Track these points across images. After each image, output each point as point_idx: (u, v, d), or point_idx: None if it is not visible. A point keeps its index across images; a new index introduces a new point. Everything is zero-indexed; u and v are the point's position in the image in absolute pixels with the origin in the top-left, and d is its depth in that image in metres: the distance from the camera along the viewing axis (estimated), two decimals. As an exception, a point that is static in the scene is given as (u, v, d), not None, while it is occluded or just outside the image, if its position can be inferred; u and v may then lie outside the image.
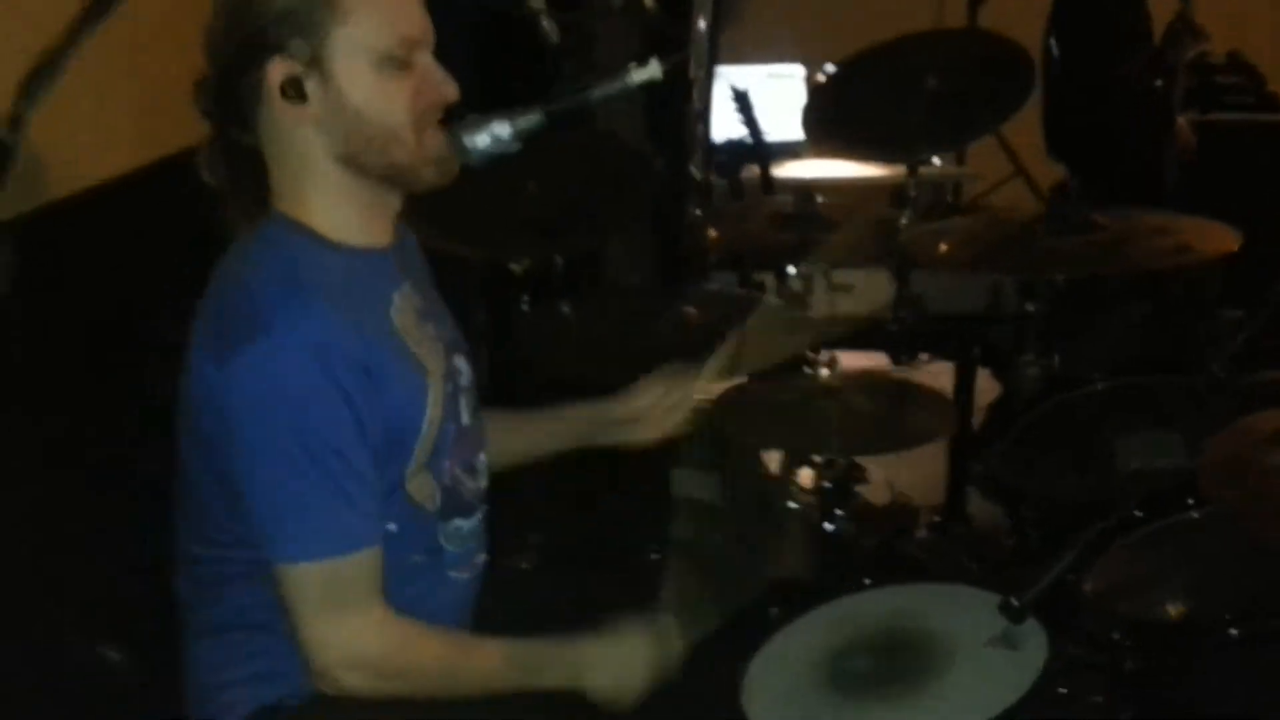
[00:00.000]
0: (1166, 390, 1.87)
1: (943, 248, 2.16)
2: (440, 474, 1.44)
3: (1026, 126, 3.18)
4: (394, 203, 1.44)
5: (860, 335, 2.47)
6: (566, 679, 1.45)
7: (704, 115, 3.94)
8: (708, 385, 1.77)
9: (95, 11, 1.09)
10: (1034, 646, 1.52)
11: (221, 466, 1.32)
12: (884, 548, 2.07)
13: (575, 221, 2.52)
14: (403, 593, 1.41)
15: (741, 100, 3.41)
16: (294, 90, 1.31)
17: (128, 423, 1.61)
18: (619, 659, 1.48)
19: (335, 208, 1.38)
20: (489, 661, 1.44)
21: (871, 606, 1.72)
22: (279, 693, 1.40)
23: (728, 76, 4.66)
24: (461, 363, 1.53)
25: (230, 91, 1.34)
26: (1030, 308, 2.31)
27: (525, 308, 2.57)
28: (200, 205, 1.38)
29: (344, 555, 1.32)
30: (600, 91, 1.41)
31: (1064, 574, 1.60)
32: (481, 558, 1.57)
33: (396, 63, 1.33)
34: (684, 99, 3.99)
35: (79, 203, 1.61)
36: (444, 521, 1.47)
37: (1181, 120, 3.28)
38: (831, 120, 2.28)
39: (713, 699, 1.55)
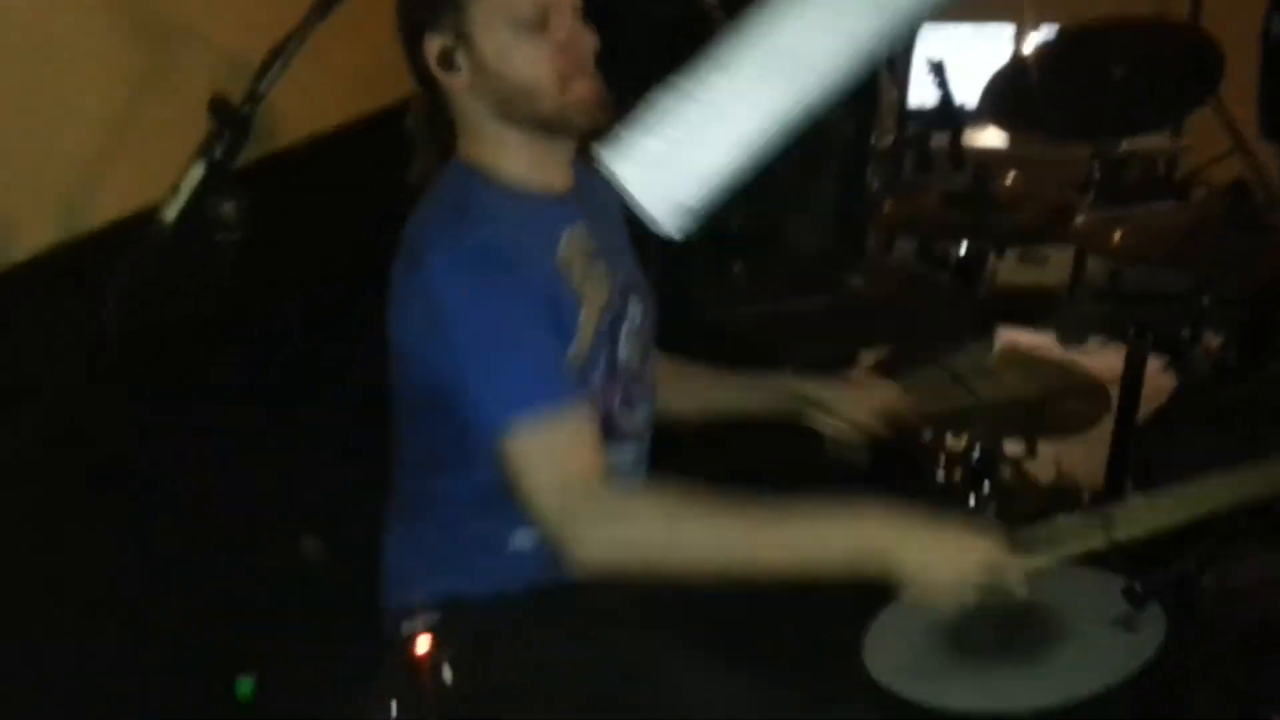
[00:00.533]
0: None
1: (1116, 237, 2.17)
2: (590, 395, 1.55)
3: (1250, 97, 3.10)
4: (563, 149, 1.60)
5: (1033, 313, 2.49)
6: (856, 540, 1.39)
7: (901, 80, 3.97)
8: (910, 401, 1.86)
9: (328, 2, 1.25)
10: (1152, 632, 1.58)
11: (426, 375, 1.49)
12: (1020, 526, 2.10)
13: (751, 185, 2.61)
14: None
15: (937, 70, 3.42)
16: (447, 62, 1.50)
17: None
18: (939, 543, 1.41)
19: (507, 157, 1.56)
20: (758, 527, 1.38)
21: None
22: (459, 586, 1.55)
23: (933, 35, 4.70)
24: (635, 305, 1.67)
25: (412, 61, 1.54)
26: (1205, 300, 2.28)
27: (700, 268, 2.71)
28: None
29: (558, 411, 1.42)
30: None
31: (1194, 566, 1.65)
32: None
33: (533, 25, 1.49)
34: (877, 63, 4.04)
35: (302, 152, 1.80)
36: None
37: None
38: (1012, 102, 2.28)
39: (835, 655, 1.60)
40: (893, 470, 2.35)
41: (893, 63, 4.19)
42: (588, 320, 1.55)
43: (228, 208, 1.22)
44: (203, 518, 1.62)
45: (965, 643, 1.67)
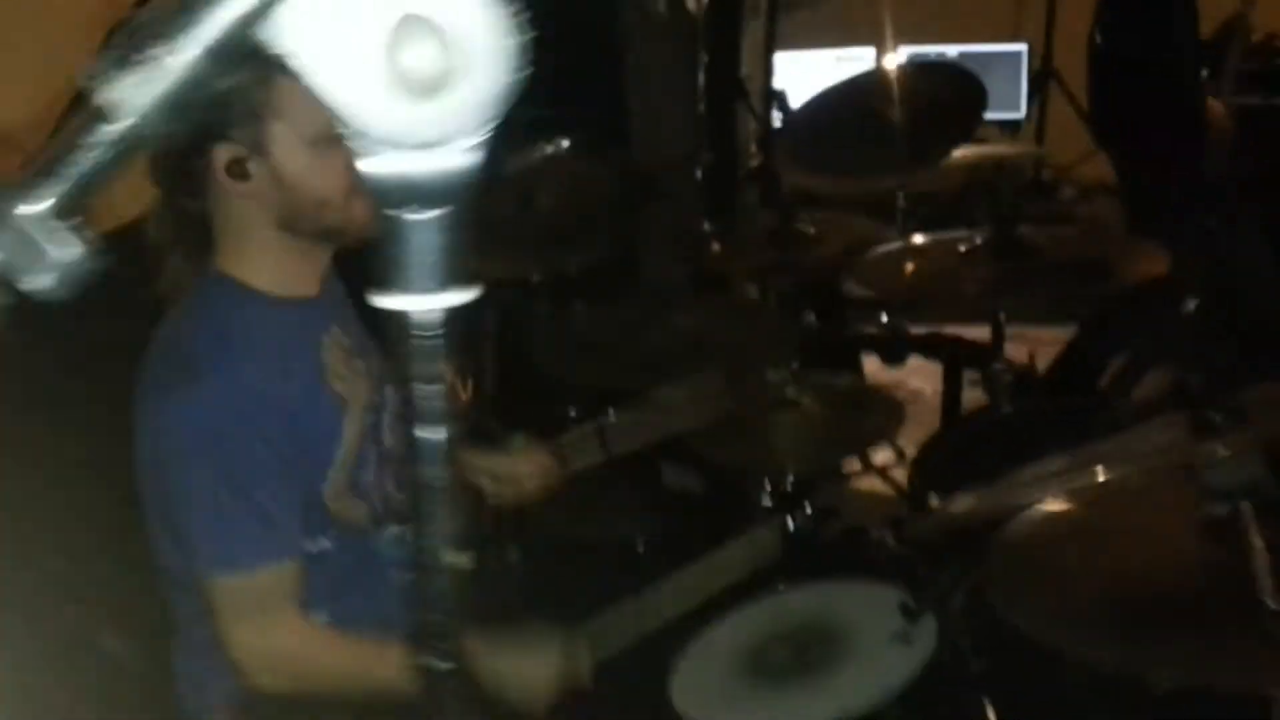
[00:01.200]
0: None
1: (909, 268, 2.31)
2: (365, 492, 1.64)
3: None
4: (325, 257, 1.66)
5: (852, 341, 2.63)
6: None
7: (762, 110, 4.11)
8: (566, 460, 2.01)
9: None
10: (925, 644, 1.72)
11: (161, 500, 1.55)
12: (839, 546, 2.24)
13: (588, 233, 2.75)
14: (351, 601, 1.64)
15: (778, 101, 3.55)
16: (238, 170, 1.51)
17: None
18: (525, 670, 1.65)
19: (271, 265, 1.59)
20: (394, 666, 1.55)
21: (796, 602, 1.91)
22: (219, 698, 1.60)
23: (796, 62, 4.86)
24: (390, 391, 1.70)
25: (181, 168, 1.54)
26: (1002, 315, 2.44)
27: (541, 311, 2.82)
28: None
29: (261, 567, 1.52)
30: (513, 164, 1.63)
31: (961, 580, 1.79)
32: None
33: (328, 142, 1.52)
34: (735, 96, 4.18)
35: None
36: (378, 531, 1.68)
37: (1216, 104, 3.30)
38: (801, 147, 2.41)
39: (644, 688, 1.74)
40: (723, 497, 2.50)
41: (747, 93, 4.37)
42: (352, 421, 1.63)
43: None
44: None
45: (763, 666, 1.81)
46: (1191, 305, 2.18)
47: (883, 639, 1.75)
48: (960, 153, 4.92)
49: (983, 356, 2.47)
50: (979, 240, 2.20)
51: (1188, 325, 2.18)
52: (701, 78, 3.36)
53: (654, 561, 2.37)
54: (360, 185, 1.48)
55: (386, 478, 1.69)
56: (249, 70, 1.47)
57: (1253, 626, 0.91)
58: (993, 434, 2.09)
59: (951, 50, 5.03)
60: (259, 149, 1.52)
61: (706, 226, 2.74)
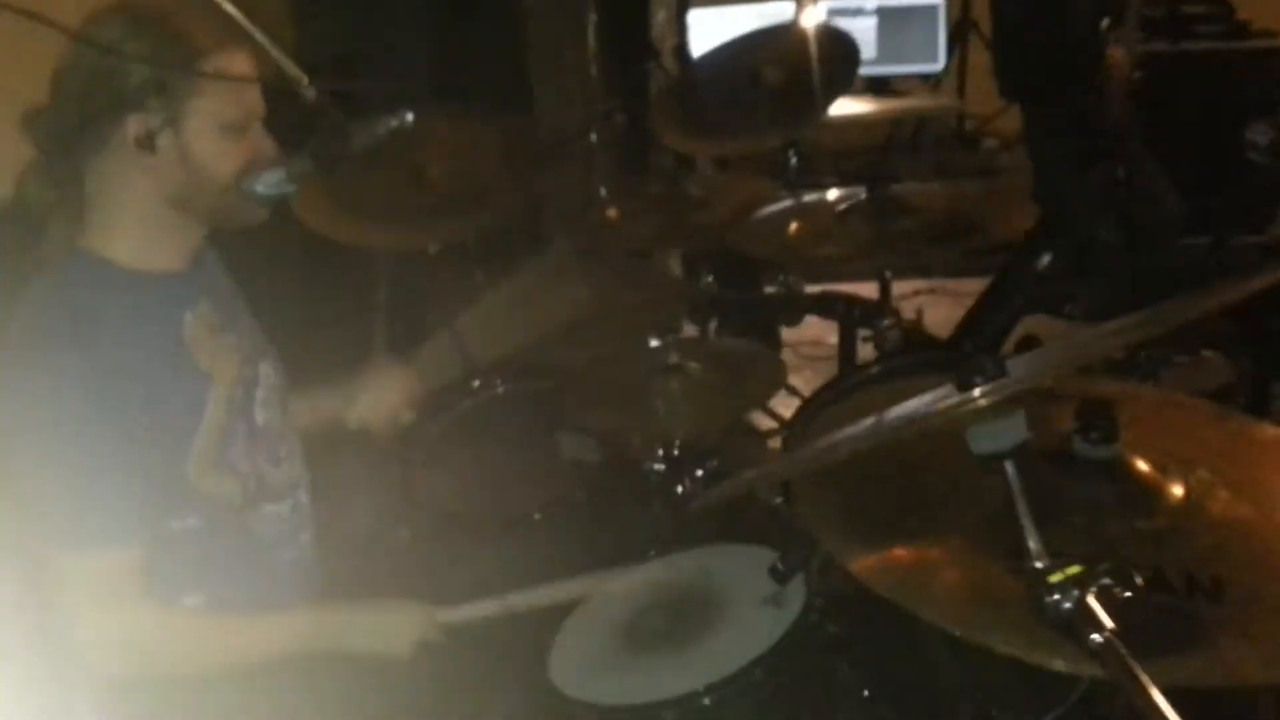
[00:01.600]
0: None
1: (792, 228, 2.31)
2: (233, 469, 1.63)
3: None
4: (198, 234, 1.65)
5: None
6: (332, 644, 1.64)
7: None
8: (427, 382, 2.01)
9: None
10: (794, 607, 1.73)
11: (15, 476, 1.51)
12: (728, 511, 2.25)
13: (485, 202, 2.73)
14: (225, 580, 1.63)
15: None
16: (147, 142, 1.51)
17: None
18: (382, 628, 1.69)
19: (138, 239, 1.57)
20: (248, 638, 1.62)
21: (673, 570, 1.92)
22: None
23: (716, 18, 4.83)
24: (266, 368, 1.73)
25: (77, 132, 1.53)
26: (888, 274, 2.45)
27: (440, 282, 2.80)
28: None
29: (106, 551, 1.50)
30: (359, 140, 1.60)
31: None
32: (306, 537, 1.77)
33: (237, 129, 1.54)
34: (645, 56, 4.15)
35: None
36: (251, 509, 1.66)
37: (1116, 51, 3.32)
38: (684, 112, 2.40)
39: (523, 661, 1.76)
40: (619, 465, 2.50)
41: (658, 53, 4.34)
42: (218, 398, 1.61)
43: None
44: None
45: (638, 637, 1.82)
46: (1046, 259, 2.20)
47: (755, 603, 1.77)
48: (882, 105, 5.01)
49: (873, 314, 2.48)
50: (859, 199, 2.20)
51: (1044, 277, 2.20)
52: (592, 39, 3.30)
53: (551, 530, 2.40)
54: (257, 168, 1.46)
55: (259, 454, 1.68)
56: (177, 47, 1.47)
57: (1020, 585, 0.91)
58: (862, 388, 2.09)
59: (869, 3, 5.05)
60: (172, 124, 1.52)
61: (602, 192, 2.72)
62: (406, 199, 2.66)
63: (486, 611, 1.77)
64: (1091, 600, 0.88)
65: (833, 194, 2.33)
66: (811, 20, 4.80)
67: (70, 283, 1.55)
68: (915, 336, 2.44)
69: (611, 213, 2.71)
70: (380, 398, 1.95)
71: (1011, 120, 4.69)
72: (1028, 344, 1.99)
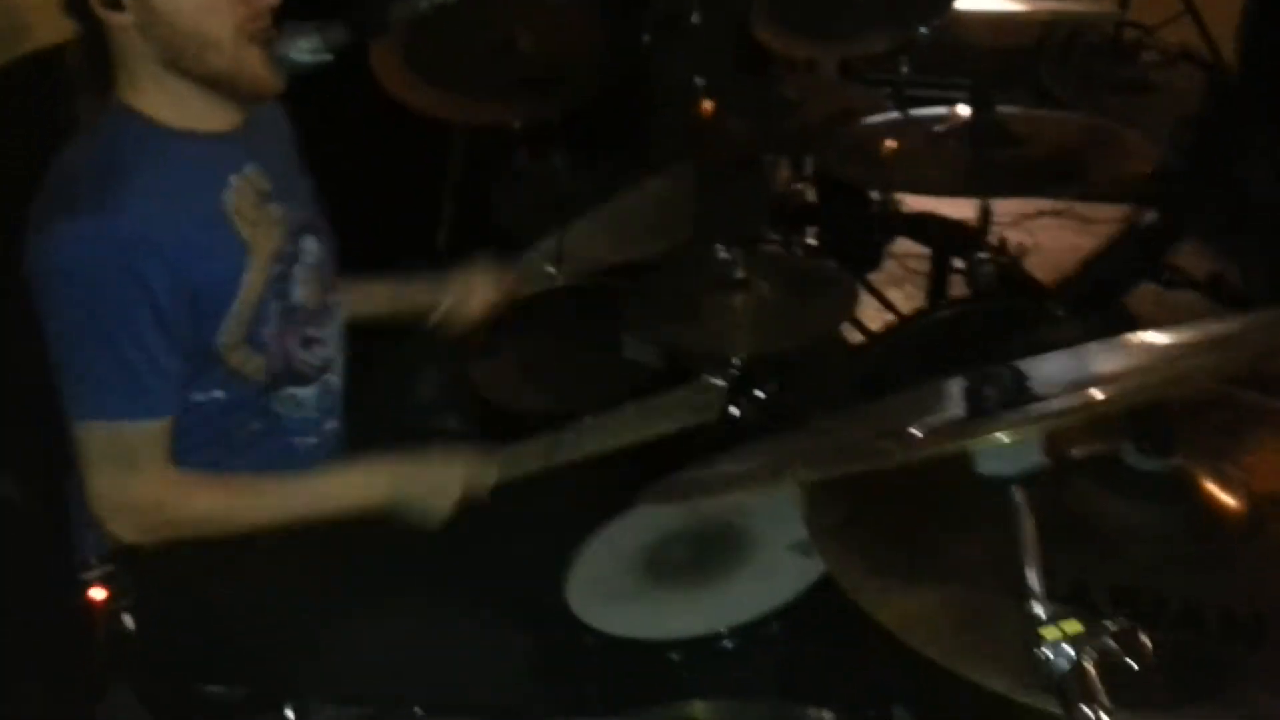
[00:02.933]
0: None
1: (889, 142, 2.13)
2: (262, 346, 1.56)
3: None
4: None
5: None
6: (367, 499, 1.58)
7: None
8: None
9: None
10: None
11: (47, 331, 1.47)
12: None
13: (570, 78, 2.60)
14: (242, 457, 1.59)
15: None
16: (111, 0, 1.42)
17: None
18: (426, 477, 1.61)
19: (173, 98, 1.49)
20: (276, 495, 1.57)
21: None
22: None
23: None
24: (309, 243, 1.64)
25: None
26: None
27: (521, 162, 2.69)
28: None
29: (126, 420, 1.46)
30: (398, 10, 1.49)
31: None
32: (332, 424, 1.71)
33: None
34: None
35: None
36: (275, 390, 1.61)
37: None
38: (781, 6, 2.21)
39: (540, 580, 1.69)
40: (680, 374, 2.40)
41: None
42: (257, 270, 1.54)
43: None
44: None
45: (659, 566, 1.74)
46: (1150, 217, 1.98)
47: (783, 547, 1.68)
48: (1034, 6, 4.65)
49: (969, 244, 2.30)
50: (959, 121, 2.00)
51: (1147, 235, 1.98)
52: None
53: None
54: (258, 27, 1.39)
55: (290, 334, 1.61)
56: None
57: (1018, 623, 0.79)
58: (935, 333, 1.95)
59: (1022, -115, 4.65)
60: None
61: (698, 81, 2.55)
62: (493, 69, 2.56)
63: (537, 460, 1.69)
64: (1089, 665, 0.75)
65: (937, 110, 2.14)
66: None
67: (105, 141, 1.49)
68: (1013, 275, 2.25)
69: (706, 105, 2.55)
70: (473, 297, 1.88)
71: (1176, 31, 4.31)
72: (1112, 313, 1.80)
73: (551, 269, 1.94)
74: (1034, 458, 0.80)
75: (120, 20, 1.44)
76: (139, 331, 1.44)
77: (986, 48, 4.98)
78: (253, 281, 1.53)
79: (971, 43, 4.79)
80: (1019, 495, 0.80)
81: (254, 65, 1.50)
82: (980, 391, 0.83)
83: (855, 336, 3.11)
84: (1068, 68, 5.06)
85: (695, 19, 2.62)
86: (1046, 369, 0.90)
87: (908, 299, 3.36)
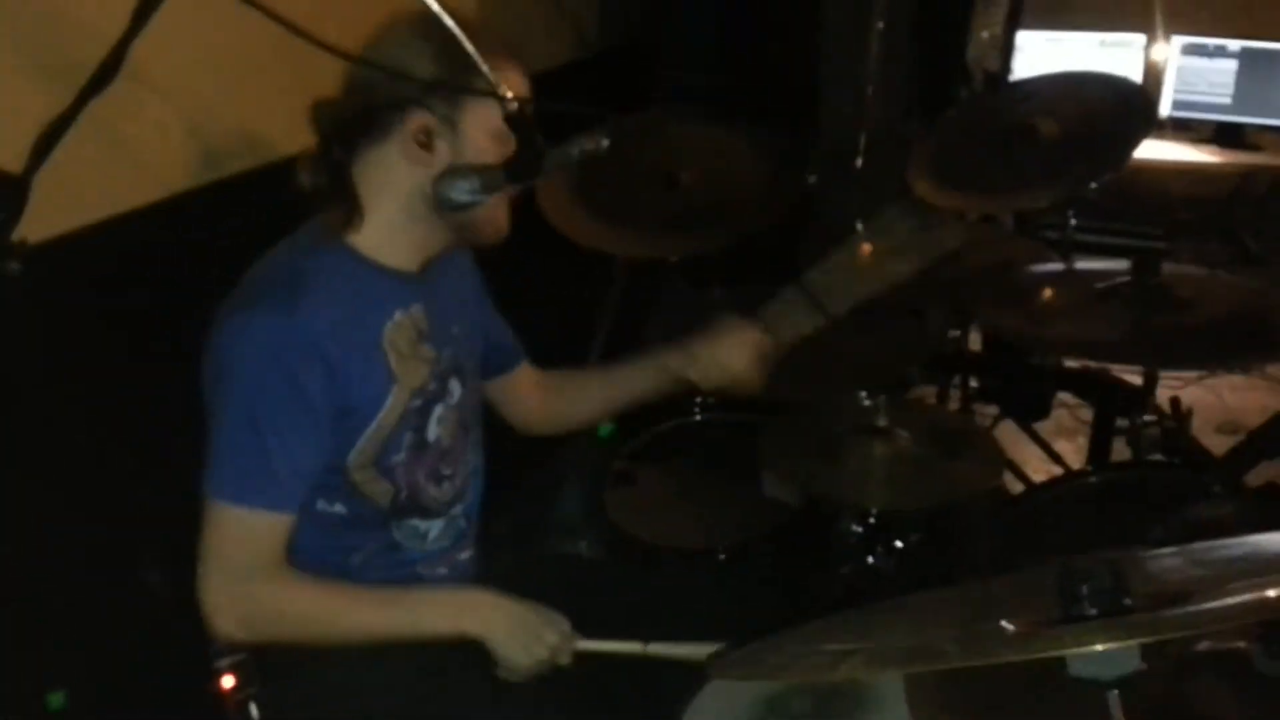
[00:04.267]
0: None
1: (1046, 294, 2.07)
2: (389, 474, 1.63)
3: None
4: (444, 241, 1.66)
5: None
6: (453, 624, 1.60)
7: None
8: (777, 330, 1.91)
9: (99, 80, 1.34)
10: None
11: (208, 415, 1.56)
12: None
13: (731, 214, 2.63)
14: (357, 576, 1.64)
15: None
16: (424, 139, 1.55)
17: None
18: (524, 623, 1.61)
19: (384, 232, 1.61)
20: (372, 604, 1.60)
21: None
22: None
23: (1053, 44, 4.49)
24: (456, 386, 1.72)
25: (361, 122, 1.57)
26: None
27: (680, 295, 2.73)
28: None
29: (251, 508, 1.52)
30: (554, 160, 1.55)
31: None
32: (464, 555, 1.77)
33: (506, 139, 1.53)
34: (954, 80, 3.88)
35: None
36: (398, 519, 1.66)
37: None
38: (945, 164, 2.18)
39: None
40: (816, 517, 2.35)
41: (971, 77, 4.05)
42: (396, 401, 1.61)
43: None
44: (41, 529, 1.75)
45: (780, 713, 1.69)
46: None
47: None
48: (1228, 158, 4.50)
49: (1133, 404, 2.20)
50: (1121, 280, 1.93)
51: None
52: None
53: (732, 572, 2.28)
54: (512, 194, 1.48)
55: (421, 468, 1.68)
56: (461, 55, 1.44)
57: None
58: (1082, 498, 1.85)
59: (1233, 44, 4.53)
60: (450, 125, 1.56)
61: (858, 225, 2.54)
62: (654, 204, 2.61)
63: (623, 650, 1.68)
64: None
65: (1103, 264, 2.07)
66: (1161, 55, 4.42)
67: (300, 252, 1.61)
68: (1177, 440, 2.14)
69: (865, 248, 2.53)
70: (723, 354, 1.89)
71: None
72: (1269, 494, 1.68)
73: (811, 308, 1.92)
74: (1131, 663, 0.75)
75: (420, 157, 1.56)
76: (284, 426, 1.52)
77: (1179, 198, 4.85)
78: (391, 409, 1.61)
79: (1163, 192, 4.68)
80: (1115, 701, 0.75)
81: (502, 218, 1.64)
82: (1075, 591, 0.78)
83: (1018, 486, 3.03)
84: (1264, 221, 4.88)
85: (859, 163, 2.65)
86: (1158, 566, 0.84)
87: (1077, 451, 3.23)
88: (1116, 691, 0.75)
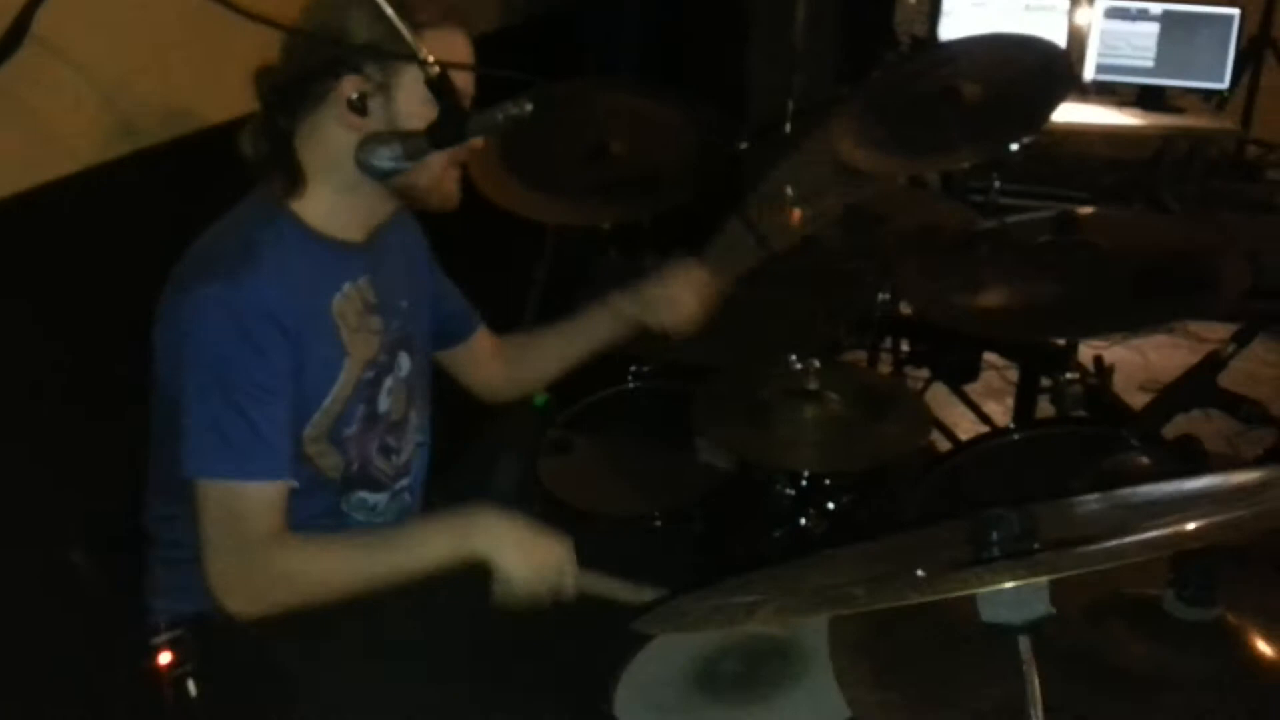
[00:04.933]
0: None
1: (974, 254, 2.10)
2: (341, 447, 1.63)
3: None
4: (386, 210, 1.66)
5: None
6: (459, 547, 1.57)
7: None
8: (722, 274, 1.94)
9: (3, 50, 1.29)
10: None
11: (167, 393, 1.54)
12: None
13: (662, 182, 2.63)
14: None
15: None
16: (359, 104, 1.53)
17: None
18: (518, 528, 1.60)
19: (329, 203, 1.60)
20: (374, 553, 1.57)
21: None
22: (201, 605, 1.57)
23: (978, 7, 4.53)
24: (405, 359, 1.73)
25: (297, 88, 1.56)
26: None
27: (611, 262, 2.73)
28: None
29: (251, 481, 1.50)
30: (476, 125, 1.54)
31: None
32: None
33: None
34: (882, 45, 3.91)
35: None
36: (347, 492, 1.66)
37: None
38: (869, 126, 2.20)
39: (585, 691, 1.65)
40: (750, 481, 2.37)
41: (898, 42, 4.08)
42: (349, 375, 1.61)
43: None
44: None
45: (710, 679, 1.70)
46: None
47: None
48: (1151, 120, 4.58)
49: (1056, 362, 2.24)
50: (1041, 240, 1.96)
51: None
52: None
53: (667, 537, 2.30)
54: (463, 160, 1.48)
55: (371, 440, 1.67)
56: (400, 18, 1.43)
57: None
58: (1007, 455, 1.89)
59: (1155, 8, 4.60)
60: (384, 90, 1.54)
61: (789, 190, 2.55)
62: (585, 172, 2.61)
63: (617, 593, 1.69)
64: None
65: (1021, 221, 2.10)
66: (1085, 19, 4.47)
67: (249, 224, 1.59)
68: (1099, 397, 2.18)
69: (795, 214, 2.54)
70: (673, 293, 1.92)
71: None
72: (1184, 446, 1.72)
73: (753, 241, 1.95)
74: (1040, 607, 0.77)
75: (355, 123, 1.54)
76: (260, 393, 1.51)
77: (1103, 160, 4.93)
78: (345, 382, 1.61)
79: (1087, 155, 4.75)
80: (1025, 645, 0.77)
81: (451, 184, 1.64)
82: (985, 538, 0.79)
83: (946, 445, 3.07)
84: (1186, 183, 4.97)
85: (787, 128, 2.66)
86: (1069, 513, 0.86)
87: (1006, 412, 3.29)
88: (1028, 637, 0.77)
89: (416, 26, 1.46)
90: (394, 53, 1.48)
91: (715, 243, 1.95)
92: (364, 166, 1.57)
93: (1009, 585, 0.73)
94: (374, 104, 1.54)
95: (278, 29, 1.49)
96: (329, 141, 1.57)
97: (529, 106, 1.54)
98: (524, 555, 1.59)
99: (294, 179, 1.59)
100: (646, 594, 1.67)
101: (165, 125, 2.02)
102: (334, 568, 1.57)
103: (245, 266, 1.51)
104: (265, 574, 1.52)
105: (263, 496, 1.52)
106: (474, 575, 1.58)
